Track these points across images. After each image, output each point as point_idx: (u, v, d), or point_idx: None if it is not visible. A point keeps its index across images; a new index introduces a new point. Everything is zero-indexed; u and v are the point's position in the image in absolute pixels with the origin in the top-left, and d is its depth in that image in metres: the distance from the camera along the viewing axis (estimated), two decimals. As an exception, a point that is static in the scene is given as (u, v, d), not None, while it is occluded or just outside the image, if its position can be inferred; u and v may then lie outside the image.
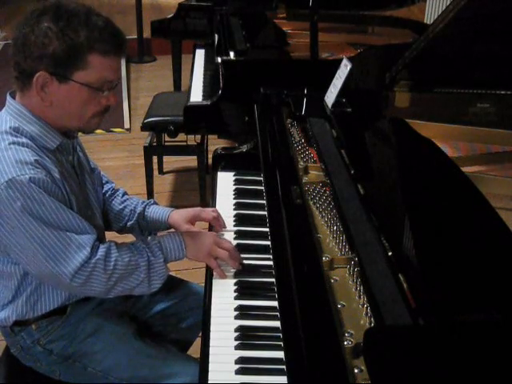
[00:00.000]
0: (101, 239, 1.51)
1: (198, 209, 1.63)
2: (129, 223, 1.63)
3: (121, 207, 1.64)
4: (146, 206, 1.64)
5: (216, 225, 1.60)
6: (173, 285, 1.62)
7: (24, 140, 1.28)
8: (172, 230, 1.61)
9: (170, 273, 1.43)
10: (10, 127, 1.29)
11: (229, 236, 1.56)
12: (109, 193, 1.66)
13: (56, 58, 1.24)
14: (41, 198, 1.23)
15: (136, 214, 1.62)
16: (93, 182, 1.52)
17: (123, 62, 5.62)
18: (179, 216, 1.61)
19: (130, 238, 1.68)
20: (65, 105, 1.30)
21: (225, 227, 1.61)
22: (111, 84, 1.32)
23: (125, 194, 1.69)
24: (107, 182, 1.68)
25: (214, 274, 1.43)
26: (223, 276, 1.40)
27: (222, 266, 1.44)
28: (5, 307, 1.40)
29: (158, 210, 1.62)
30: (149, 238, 1.47)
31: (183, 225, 1.59)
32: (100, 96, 1.31)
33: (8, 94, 1.35)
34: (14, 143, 1.27)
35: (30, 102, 1.30)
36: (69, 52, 1.24)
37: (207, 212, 1.61)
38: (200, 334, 1.37)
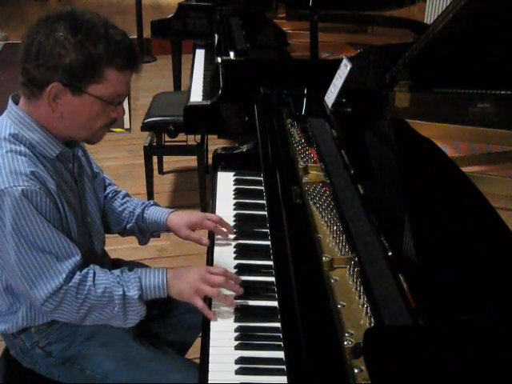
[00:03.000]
0: (100, 245, 1.51)
1: (201, 216, 1.58)
2: (128, 225, 1.62)
3: (120, 209, 1.62)
4: (144, 207, 1.62)
5: (219, 232, 1.55)
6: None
7: (22, 148, 1.27)
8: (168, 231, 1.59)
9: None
10: (10, 134, 1.28)
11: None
12: (109, 195, 1.64)
13: (72, 69, 1.21)
14: (29, 214, 1.22)
15: (135, 216, 1.61)
16: (94, 188, 1.51)
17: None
18: (179, 220, 1.57)
19: (132, 240, 1.68)
20: (75, 117, 1.29)
21: (230, 233, 1.55)
22: (122, 97, 1.33)
23: (126, 195, 1.66)
24: (109, 185, 1.66)
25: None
26: (213, 317, 1.29)
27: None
28: (5, 318, 1.39)
29: (157, 212, 1.60)
30: (133, 269, 1.38)
31: (182, 230, 1.56)
32: (110, 109, 1.31)
33: (10, 99, 1.33)
34: (11, 151, 1.25)
35: (38, 111, 1.28)
36: (86, 65, 1.22)
37: (210, 220, 1.55)
38: (199, 335, 1.37)
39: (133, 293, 1.31)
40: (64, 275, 1.26)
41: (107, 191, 1.64)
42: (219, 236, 1.57)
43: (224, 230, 1.56)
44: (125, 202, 1.63)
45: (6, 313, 1.39)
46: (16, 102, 1.32)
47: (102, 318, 1.32)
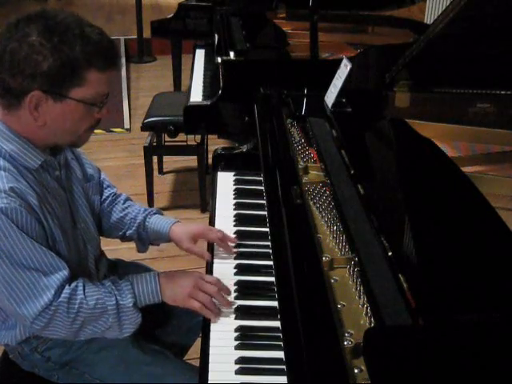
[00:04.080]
0: (95, 250, 1.48)
1: (204, 228, 1.56)
2: (128, 232, 1.59)
3: (121, 215, 1.59)
4: (147, 215, 1.58)
5: (222, 247, 1.52)
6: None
7: (1, 162, 1.22)
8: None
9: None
10: None
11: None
12: (109, 199, 1.60)
13: (51, 75, 1.16)
14: (10, 231, 1.18)
15: (136, 223, 1.57)
16: (86, 192, 1.47)
17: (123, 62, 5.62)
18: (182, 232, 1.54)
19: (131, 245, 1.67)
20: (59, 123, 1.24)
21: (231, 251, 1.51)
22: (104, 97, 1.28)
23: (127, 200, 1.62)
24: (108, 187, 1.62)
25: (214, 272, 1.43)
26: (213, 316, 1.29)
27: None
28: (2, 333, 1.38)
29: (160, 221, 1.56)
30: (124, 277, 1.36)
31: (185, 242, 1.53)
32: (94, 110, 1.27)
33: None
34: None
35: (18, 121, 1.23)
36: (64, 69, 1.17)
37: (214, 232, 1.52)
38: (199, 336, 1.37)
39: (126, 301, 1.29)
40: (53, 291, 1.23)
41: (106, 194, 1.61)
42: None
43: (227, 244, 1.52)
44: (126, 207, 1.60)
45: (1, 327, 1.37)
46: None
47: (97, 330, 1.30)
